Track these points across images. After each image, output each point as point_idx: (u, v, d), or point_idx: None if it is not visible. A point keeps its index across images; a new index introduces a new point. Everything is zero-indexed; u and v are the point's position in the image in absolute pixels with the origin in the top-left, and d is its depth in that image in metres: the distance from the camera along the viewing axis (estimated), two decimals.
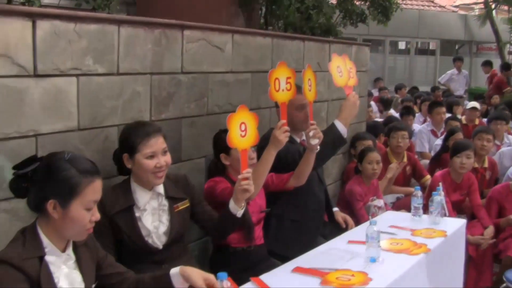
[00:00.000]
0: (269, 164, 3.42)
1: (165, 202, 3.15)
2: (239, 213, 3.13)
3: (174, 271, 2.53)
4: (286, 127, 3.33)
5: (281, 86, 3.37)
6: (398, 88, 13.29)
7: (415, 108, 9.76)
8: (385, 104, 10.26)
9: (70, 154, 2.30)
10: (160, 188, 3.14)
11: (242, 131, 3.04)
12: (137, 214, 3.07)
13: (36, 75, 2.80)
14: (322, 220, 4.38)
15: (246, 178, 3.04)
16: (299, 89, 3.63)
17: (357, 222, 4.64)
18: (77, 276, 2.36)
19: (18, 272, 2.12)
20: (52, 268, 2.25)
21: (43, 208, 2.24)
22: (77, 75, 3.02)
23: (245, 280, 2.92)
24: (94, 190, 2.27)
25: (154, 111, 3.54)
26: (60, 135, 2.96)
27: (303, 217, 4.11)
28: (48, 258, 2.24)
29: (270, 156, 3.39)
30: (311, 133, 3.52)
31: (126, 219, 3.05)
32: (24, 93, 2.76)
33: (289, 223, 4.08)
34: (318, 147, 3.61)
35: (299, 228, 4.06)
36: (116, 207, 3.04)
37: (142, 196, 3.09)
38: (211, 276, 2.47)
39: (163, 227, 3.11)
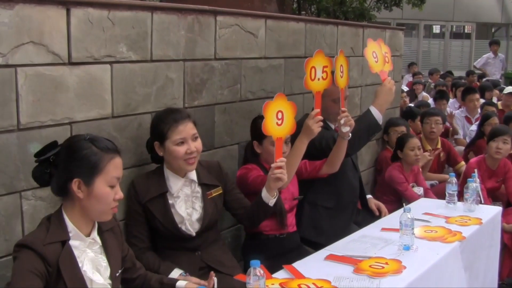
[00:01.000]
0: (301, 153, 3.42)
1: (198, 189, 3.16)
2: (271, 202, 3.13)
3: (180, 284, 2.63)
4: (320, 117, 3.33)
5: (317, 75, 3.36)
6: (431, 73, 13.12)
7: (450, 94, 9.62)
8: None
9: (90, 135, 2.36)
10: (193, 175, 3.15)
11: (279, 119, 3.02)
12: (170, 201, 3.09)
13: (71, 63, 2.82)
14: (355, 208, 4.36)
15: (280, 167, 3.03)
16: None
17: (407, 201, 4.63)
18: (103, 261, 2.38)
19: (38, 257, 2.17)
20: (77, 252, 2.28)
21: (67, 190, 2.28)
22: (110, 63, 3.03)
23: (278, 268, 2.91)
24: (116, 166, 2.31)
25: (187, 98, 3.54)
26: (94, 123, 2.98)
27: (336, 204, 4.10)
28: (72, 242, 2.28)
29: (302, 144, 3.39)
30: (342, 121, 3.51)
31: (160, 206, 3.07)
32: (58, 81, 2.78)
33: (323, 210, 4.07)
34: (350, 134, 3.59)
35: (333, 216, 4.05)
36: (150, 194, 3.06)
37: (175, 183, 3.10)
38: None
39: (196, 214, 3.12)
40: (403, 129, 5.77)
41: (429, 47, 19.00)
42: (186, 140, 3.05)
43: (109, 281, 2.38)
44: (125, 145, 3.15)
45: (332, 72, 3.48)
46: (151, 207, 3.06)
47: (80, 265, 2.27)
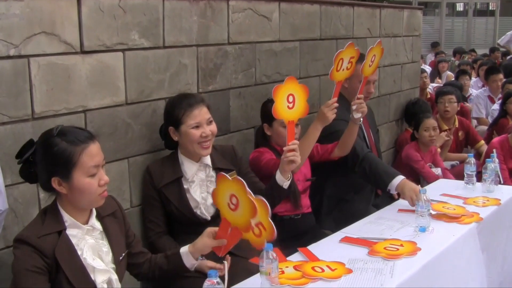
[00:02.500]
0: (314, 138, 3.49)
1: (212, 173, 3.18)
2: (286, 184, 3.14)
3: (184, 249, 2.58)
4: (336, 105, 3.36)
5: (343, 66, 3.41)
6: (455, 52, 12.95)
7: (473, 73, 9.50)
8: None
9: (59, 128, 2.27)
10: (208, 160, 3.17)
11: (290, 102, 3.02)
12: (185, 186, 3.11)
13: (83, 51, 2.85)
14: (374, 192, 4.35)
15: (292, 150, 3.04)
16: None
17: (425, 182, 4.61)
18: (104, 246, 2.39)
19: (35, 251, 2.17)
20: (75, 240, 2.28)
21: (52, 187, 2.27)
22: (123, 50, 3.05)
23: (294, 249, 2.93)
24: (89, 155, 2.24)
25: (201, 83, 3.55)
26: (108, 110, 3.01)
27: (355, 195, 4.12)
28: (70, 231, 2.28)
29: (316, 130, 3.46)
30: (354, 107, 3.59)
31: (175, 191, 3.10)
32: (71, 70, 2.81)
33: (343, 203, 4.10)
34: (361, 119, 3.66)
35: (352, 206, 4.05)
36: (165, 179, 3.09)
37: (189, 168, 3.13)
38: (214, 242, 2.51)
39: (211, 198, 3.14)
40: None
41: (452, 26, 18.75)
42: (201, 124, 3.07)
43: (112, 266, 2.39)
44: (139, 131, 3.18)
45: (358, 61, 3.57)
46: (166, 192, 3.09)
47: (79, 253, 2.27)
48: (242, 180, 2.28)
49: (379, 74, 5.49)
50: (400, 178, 3.63)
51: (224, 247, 2.50)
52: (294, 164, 3.07)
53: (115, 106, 3.05)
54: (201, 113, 3.08)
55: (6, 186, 2.53)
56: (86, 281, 2.27)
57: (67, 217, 2.29)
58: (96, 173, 2.26)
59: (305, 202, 3.83)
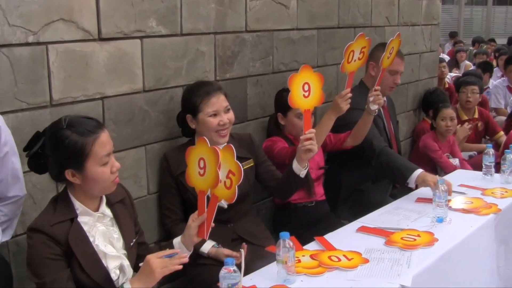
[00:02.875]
0: (328, 128, 3.47)
1: None
2: (303, 173, 3.13)
3: (177, 240, 2.54)
4: (349, 95, 3.36)
5: (354, 57, 3.38)
6: (476, 42, 12.82)
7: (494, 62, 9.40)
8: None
9: (68, 119, 2.25)
10: None
11: (305, 91, 3.01)
12: None
13: (101, 38, 2.85)
14: (391, 186, 4.34)
15: (309, 138, 3.03)
16: (401, 55, 3.95)
17: (443, 172, 4.58)
18: (114, 233, 2.39)
19: (49, 238, 2.18)
20: (86, 227, 2.29)
21: (64, 177, 2.26)
22: (140, 37, 3.05)
23: (308, 237, 2.93)
24: (101, 145, 2.23)
25: (218, 71, 3.55)
26: (125, 97, 3.02)
27: (371, 185, 4.10)
28: (81, 219, 2.29)
29: (329, 120, 3.44)
30: (371, 98, 3.58)
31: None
32: (89, 57, 2.81)
33: (359, 193, 4.10)
34: (376, 111, 3.66)
35: (368, 197, 4.03)
36: (182, 167, 3.07)
37: None
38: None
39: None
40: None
41: (471, 15, 18.56)
42: (218, 112, 3.06)
43: (124, 252, 2.40)
44: (156, 118, 3.19)
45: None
46: (183, 180, 3.06)
47: (91, 239, 2.28)
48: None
49: None
50: (419, 171, 3.61)
51: (206, 225, 2.42)
52: (311, 153, 3.06)
53: (133, 93, 3.05)
54: (218, 101, 3.07)
55: (24, 172, 2.55)
56: (99, 267, 2.28)
57: (78, 205, 2.29)
58: (108, 161, 2.26)
59: (319, 190, 3.85)
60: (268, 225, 3.59)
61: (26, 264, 2.21)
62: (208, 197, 2.38)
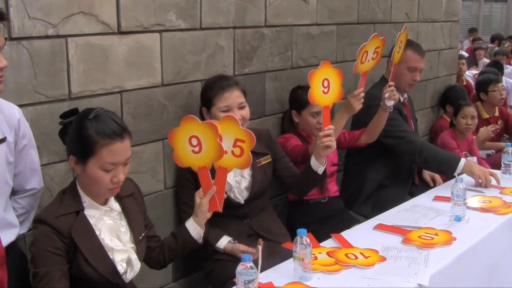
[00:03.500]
0: (341, 126, 3.49)
1: None
2: (320, 170, 3.11)
3: (189, 221, 2.60)
4: (362, 94, 3.36)
5: (368, 57, 3.36)
6: (496, 39, 12.69)
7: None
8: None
9: (98, 112, 2.23)
10: None
11: (325, 87, 2.99)
12: None
13: (120, 32, 2.85)
14: (410, 180, 4.32)
15: (328, 135, 3.01)
16: (417, 47, 3.98)
17: None
18: (122, 227, 2.39)
19: (53, 230, 2.19)
20: (93, 221, 2.29)
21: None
22: (160, 31, 3.04)
23: (323, 233, 2.92)
24: (110, 151, 2.19)
25: (237, 65, 3.54)
26: (144, 91, 3.02)
27: (392, 182, 4.08)
28: (88, 212, 2.29)
29: (342, 119, 3.46)
30: (387, 94, 3.56)
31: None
32: (108, 50, 2.81)
33: (381, 188, 4.07)
34: (392, 107, 3.64)
35: (388, 193, 4.02)
36: None
37: None
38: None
39: (245, 182, 3.14)
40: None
41: (490, 11, 18.36)
42: (231, 108, 3.05)
43: (132, 245, 2.39)
44: (175, 113, 3.18)
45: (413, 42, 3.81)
46: None
47: (97, 233, 2.28)
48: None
49: None
50: (463, 161, 3.69)
51: (218, 198, 2.50)
52: (330, 149, 3.05)
53: (152, 87, 3.05)
54: (231, 97, 3.06)
55: (42, 165, 2.57)
56: (104, 260, 2.28)
57: (85, 198, 2.29)
58: (112, 169, 2.23)
59: (332, 186, 3.84)
60: (282, 222, 3.58)
61: (28, 249, 2.25)
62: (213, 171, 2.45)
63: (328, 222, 3.55)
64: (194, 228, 2.60)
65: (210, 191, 2.49)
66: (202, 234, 2.64)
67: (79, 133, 2.20)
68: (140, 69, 2.97)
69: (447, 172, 3.82)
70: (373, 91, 3.89)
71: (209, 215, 2.53)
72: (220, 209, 2.52)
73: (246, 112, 3.10)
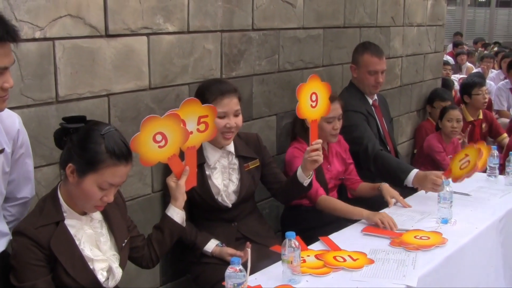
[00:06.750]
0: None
1: (235, 161, 3.16)
2: (306, 182, 3.11)
3: (170, 208, 2.61)
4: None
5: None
6: (475, 42, 12.83)
7: (495, 65, 9.40)
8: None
9: (109, 131, 2.22)
10: (231, 147, 3.16)
11: (313, 101, 2.99)
12: (207, 172, 3.10)
13: (108, 35, 2.84)
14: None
15: (316, 149, 3.01)
16: (373, 50, 4.06)
17: None
18: (102, 236, 2.36)
19: (32, 242, 2.16)
20: (73, 231, 2.26)
21: (65, 168, 2.24)
22: (147, 34, 3.03)
23: (315, 239, 2.92)
24: (114, 174, 2.20)
25: (224, 69, 3.54)
26: (132, 94, 3.01)
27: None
28: (68, 222, 2.26)
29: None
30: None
31: (197, 177, 3.07)
32: (96, 53, 2.80)
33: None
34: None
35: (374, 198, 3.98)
36: None
37: (212, 154, 3.11)
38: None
39: (233, 185, 3.14)
40: (448, 103, 5.65)
41: (474, 16, 18.54)
42: (228, 114, 3.04)
43: (113, 253, 2.37)
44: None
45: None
46: None
47: (78, 243, 2.26)
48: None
49: (401, 64, 5.45)
50: (414, 172, 3.61)
51: (192, 174, 2.61)
52: (317, 163, 3.05)
53: (139, 90, 3.04)
54: (230, 104, 3.05)
55: None
56: (85, 271, 2.26)
57: (66, 207, 2.27)
58: (107, 189, 2.22)
59: (332, 196, 3.73)
60: (274, 225, 3.57)
61: (9, 265, 2.20)
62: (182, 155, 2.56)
63: (323, 229, 3.48)
64: (177, 213, 2.59)
65: (184, 172, 2.57)
66: (184, 217, 2.63)
67: (87, 146, 2.18)
68: (127, 72, 2.96)
69: (396, 182, 3.69)
70: (344, 97, 3.87)
71: (183, 193, 2.59)
72: (195, 183, 2.66)
73: (240, 120, 3.09)
